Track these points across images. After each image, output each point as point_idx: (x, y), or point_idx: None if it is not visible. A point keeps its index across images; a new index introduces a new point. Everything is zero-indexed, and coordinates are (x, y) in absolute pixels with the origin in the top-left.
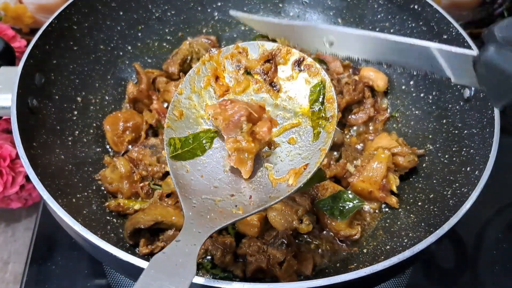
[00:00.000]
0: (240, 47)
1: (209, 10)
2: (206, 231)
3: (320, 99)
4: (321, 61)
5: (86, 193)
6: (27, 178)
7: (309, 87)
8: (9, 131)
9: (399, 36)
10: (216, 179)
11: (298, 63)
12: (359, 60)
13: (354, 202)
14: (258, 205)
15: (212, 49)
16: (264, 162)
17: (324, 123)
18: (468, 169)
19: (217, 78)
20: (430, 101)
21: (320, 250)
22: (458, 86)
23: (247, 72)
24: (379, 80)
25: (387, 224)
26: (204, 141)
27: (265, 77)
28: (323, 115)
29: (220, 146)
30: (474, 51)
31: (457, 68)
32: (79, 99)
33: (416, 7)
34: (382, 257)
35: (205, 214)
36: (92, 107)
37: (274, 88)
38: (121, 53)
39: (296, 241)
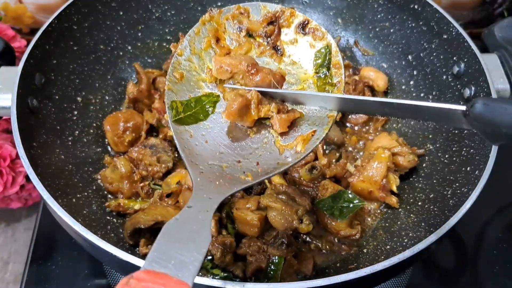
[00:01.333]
0: (241, 7)
1: None
2: (217, 198)
3: (326, 64)
4: None
5: (86, 193)
6: (27, 178)
7: (314, 51)
8: (9, 131)
9: (387, 98)
10: (221, 144)
11: (303, 26)
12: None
13: (354, 202)
14: (267, 172)
15: (212, 9)
16: (270, 128)
17: (331, 89)
18: (468, 169)
19: (217, 39)
20: (430, 101)
21: (320, 250)
22: (459, 86)
23: (249, 34)
24: (379, 80)
25: (387, 224)
26: (207, 106)
27: (268, 40)
28: (329, 81)
29: (223, 111)
30: (463, 106)
31: (449, 120)
32: (79, 99)
33: (416, 7)
34: (382, 257)
35: (213, 180)
36: (92, 107)
37: (278, 51)
38: (121, 53)
39: (296, 241)
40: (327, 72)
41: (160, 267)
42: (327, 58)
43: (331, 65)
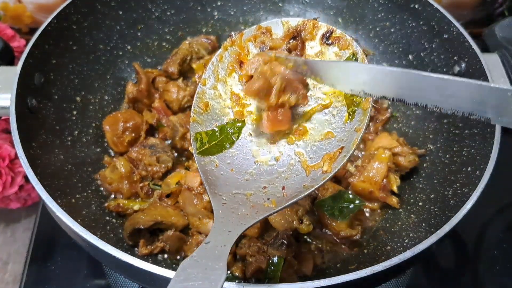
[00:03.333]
0: (262, 27)
1: (209, 10)
2: (236, 230)
3: None
4: None
5: (85, 193)
6: (26, 178)
7: None
8: (8, 131)
9: (438, 74)
10: (247, 171)
11: (327, 36)
12: (393, 100)
13: (355, 202)
14: (291, 197)
15: (232, 32)
16: (295, 148)
17: (359, 100)
18: (469, 169)
19: (241, 63)
20: None
21: (320, 250)
22: None
23: None
24: None
25: (387, 225)
26: (231, 132)
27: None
28: None
29: (248, 136)
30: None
31: (496, 105)
32: (78, 99)
33: (416, 6)
34: (383, 258)
35: (235, 211)
36: (91, 107)
37: None
38: (120, 53)
39: (296, 241)
40: None
41: None
42: None
43: None
